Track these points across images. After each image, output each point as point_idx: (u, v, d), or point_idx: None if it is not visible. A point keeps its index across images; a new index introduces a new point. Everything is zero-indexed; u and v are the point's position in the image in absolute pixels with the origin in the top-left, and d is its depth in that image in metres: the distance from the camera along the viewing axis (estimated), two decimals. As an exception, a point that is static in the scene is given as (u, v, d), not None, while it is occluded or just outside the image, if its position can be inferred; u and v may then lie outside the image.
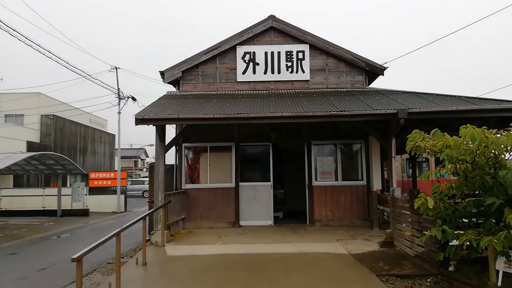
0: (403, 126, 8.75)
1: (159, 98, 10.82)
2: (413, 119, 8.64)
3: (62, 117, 32.28)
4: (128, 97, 24.62)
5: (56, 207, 20.95)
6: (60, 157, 20.04)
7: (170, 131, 12.06)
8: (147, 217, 9.42)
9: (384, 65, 11.47)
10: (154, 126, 9.30)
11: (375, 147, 11.12)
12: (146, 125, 9.31)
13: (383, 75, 11.50)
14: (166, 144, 9.53)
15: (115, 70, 24.69)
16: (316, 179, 11.41)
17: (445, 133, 5.10)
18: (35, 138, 30.42)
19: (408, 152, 5.83)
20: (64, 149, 32.93)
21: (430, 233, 5.32)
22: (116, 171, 24.70)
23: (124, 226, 6.08)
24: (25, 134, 29.44)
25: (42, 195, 22.05)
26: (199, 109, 9.32)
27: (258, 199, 11.52)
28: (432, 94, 10.27)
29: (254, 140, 11.59)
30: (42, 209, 21.50)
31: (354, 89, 11.49)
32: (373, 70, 11.58)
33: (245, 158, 11.90)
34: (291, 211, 14.09)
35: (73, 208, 21.38)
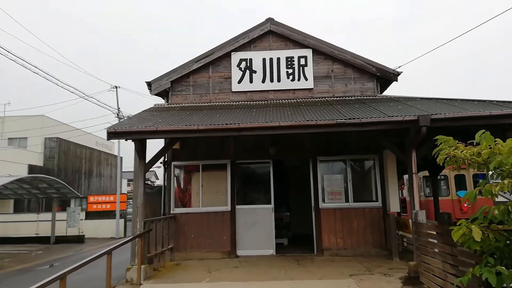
0: (424, 137, 7.28)
1: (143, 111, 9.60)
2: (437, 127, 7.18)
3: (66, 139, 31.49)
4: (128, 117, 23.59)
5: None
6: (53, 180, 18.91)
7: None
8: (128, 248, 8.04)
9: (397, 70, 10.09)
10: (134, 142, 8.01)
11: (391, 163, 9.63)
12: (124, 140, 8.04)
13: (396, 81, 10.11)
14: (146, 162, 8.20)
15: (115, 89, 23.85)
16: (323, 201, 9.91)
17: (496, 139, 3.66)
18: (39, 161, 29.63)
19: (440, 163, 4.35)
20: (68, 172, 32.06)
21: (474, 273, 3.82)
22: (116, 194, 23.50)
23: (67, 270, 4.70)
24: (28, 157, 28.66)
25: (36, 221, 20.87)
26: (184, 120, 8.02)
27: (257, 225, 10.05)
28: (456, 99, 8.82)
29: (252, 157, 10.22)
30: (35, 235, 20.30)
31: (364, 97, 10.09)
32: (385, 76, 10.19)
33: (243, 178, 10.51)
34: (299, 236, 12.67)
35: (67, 235, 20.11)
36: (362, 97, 10.05)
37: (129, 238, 7.26)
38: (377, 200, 9.83)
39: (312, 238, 10.00)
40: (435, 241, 6.49)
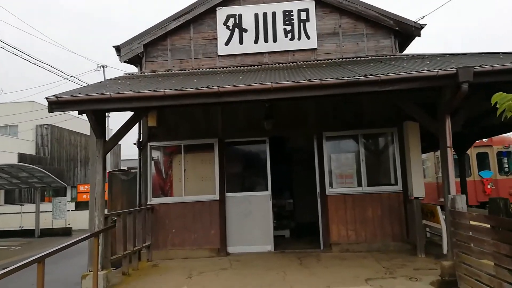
0: (463, 97, 5.45)
1: (106, 80, 7.82)
2: (481, 83, 5.36)
3: (59, 126, 29.85)
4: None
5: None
6: (34, 169, 17.31)
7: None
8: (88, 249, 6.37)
9: (420, 23, 8.17)
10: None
11: (413, 137, 7.81)
12: (79, 114, 6.30)
13: (419, 35, 8.19)
14: (107, 140, 6.46)
15: (102, 69, 22.08)
16: (331, 185, 8.17)
17: None
18: (30, 149, 28.12)
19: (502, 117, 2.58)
20: (63, 160, 30.59)
21: None
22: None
23: None
24: (19, 145, 27.15)
25: (20, 213, 19.38)
26: (152, 87, 6.22)
27: (252, 216, 8.34)
28: (498, 52, 6.94)
29: (244, 134, 8.45)
30: (20, 229, 18.85)
31: (381, 57, 8.20)
32: (406, 30, 8.28)
33: (234, 160, 8.77)
34: (304, 226, 11.03)
35: (54, 227, 18.63)
36: (377, 57, 8.17)
37: (80, 238, 5.56)
38: (396, 183, 8.06)
39: (319, 229, 8.29)
40: (485, 237, 4.77)
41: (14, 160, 25.04)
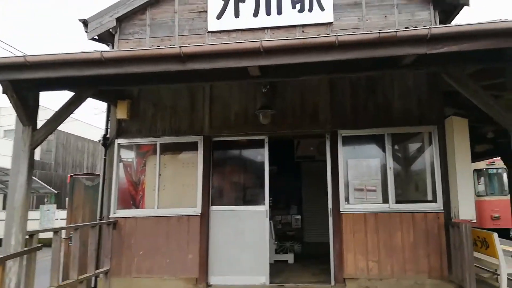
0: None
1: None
2: None
3: (66, 132, 28.68)
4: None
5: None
6: (19, 171, 15.75)
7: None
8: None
9: (469, -10, 6.23)
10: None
11: (461, 138, 5.84)
12: None
13: (467, 4, 6.21)
14: (37, 128, 4.69)
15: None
16: (347, 200, 6.21)
17: None
18: (35, 154, 26.87)
19: None
20: (68, 166, 29.28)
21: None
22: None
23: None
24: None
25: (4, 220, 17.83)
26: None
27: (243, 236, 6.43)
28: None
29: (237, 131, 6.60)
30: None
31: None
32: None
33: (222, 163, 6.92)
34: (313, 249, 9.23)
35: (40, 237, 16.95)
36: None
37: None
38: (435, 200, 6.05)
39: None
40: None
41: (15, 164, 23.83)
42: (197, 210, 6.41)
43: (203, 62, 3.76)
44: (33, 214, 17.59)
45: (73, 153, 30.05)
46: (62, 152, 28.82)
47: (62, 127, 28.11)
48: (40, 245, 4.70)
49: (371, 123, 6.33)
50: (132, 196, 6.84)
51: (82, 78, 4.26)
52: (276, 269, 7.25)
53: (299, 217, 11.37)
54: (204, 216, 6.39)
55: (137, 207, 6.76)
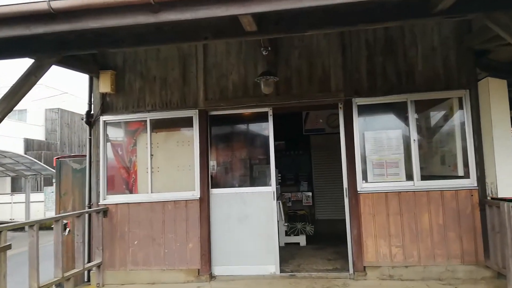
0: None
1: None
2: None
3: (70, 111, 28.13)
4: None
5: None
6: (17, 155, 15.26)
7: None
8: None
9: None
10: None
11: (499, 103, 4.98)
12: None
13: None
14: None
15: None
16: (364, 178, 5.43)
17: None
18: (40, 135, 26.60)
19: None
20: (74, 146, 28.87)
21: None
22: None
23: None
24: (27, 130, 25.68)
25: (10, 203, 17.55)
26: None
27: (248, 222, 5.72)
28: None
29: (237, 103, 5.77)
30: (10, 221, 17.00)
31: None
32: None
33: (222, 141, 6.18)
34: (326, 227, 8.80)
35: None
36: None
37: None
38: (467, 176, 5.24)
39: (346, 232, 5.62)
40: None
41: (20, 146, 23.51)
42: (196, 193, 5.70)
43: (181, 11, 2.90)
44: (37, 196, 17.31)
45: (78, 133, 29.59)
46: (67, 132, 28.40)
47: (65, 106, 27.49)
48: (9, 243, 4.00)
49: (391, 89, 5.46)
50: (124, 180, 6.15)
51: (35, 40, 3.47)
52: (287, 254, 6.62)
53: (309, 194, 10.72)
54: (204, 200, 5.68)
55: (130, 192, 6.07)
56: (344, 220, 5.59)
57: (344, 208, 5.55)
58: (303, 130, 10.94)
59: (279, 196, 8.57)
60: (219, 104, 5.76)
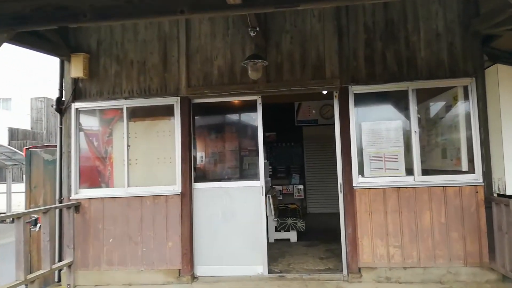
0: None
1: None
2: None
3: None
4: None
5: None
6: (-1, 145, 14.61)
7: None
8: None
9: None
10: None
11: (508, 93, 4.52)
12: None
13: None
14: None
15: None
16: (361, 173, 5.00)
17: None
18: (25, 124, 25.87)
19: None
20: (61, 136, 28.01)
21: None
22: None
23: None
24: (12, 119, 24.92)
25: (-6, 194, 16.89)
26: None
27: (234, 219, 5.27)
28: None
29: (222, 90, 5.26)
30: (-12, 211, 16.39)
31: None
32: None
33: (205, 131, 5.69)
34: (317, 222, 8.56)
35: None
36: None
37: None
38: (472, 171, 4.82)
39: (339, 227, 5.21)
40: None
41: (4, 135, 22.80)
42: (177, 188, 5.22)
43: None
44: (20, 187, 16.67)
45: (66, 122, 28.81)
46: (53, 121, 27.62)
47: (52, 95, 26.67)
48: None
49: (391, 76, 5.00)
50: (99, 172, 5.65)
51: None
52: (276, 252, 6.21)
53: (301, 187, 10.35)
54: (186, 196, 5.20)
55: (107, 185, 5.57)
56: (337, 214, 5.17)
57: (337, 202, 5.12)
58: (295, 121, 10.55)
59: (269, 190, 8.15)
60: (203, 91, 5.26)
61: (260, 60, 4.51)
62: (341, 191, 5.06)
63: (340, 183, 5.07)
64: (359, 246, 4.86)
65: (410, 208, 4.81)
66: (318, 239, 7.13)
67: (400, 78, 4.98)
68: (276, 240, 7.17)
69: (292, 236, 7.17)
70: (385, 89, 5.04)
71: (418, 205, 4.81)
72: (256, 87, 5.14)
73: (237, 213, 5.26)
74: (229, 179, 5.48)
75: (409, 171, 4.93)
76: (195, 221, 5.27)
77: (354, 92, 5.04)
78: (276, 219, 7.18)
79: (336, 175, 5.12)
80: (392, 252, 4.81)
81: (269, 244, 5.40)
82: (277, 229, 7.20)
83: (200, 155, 5.52)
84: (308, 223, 7.69)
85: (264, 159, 10.56)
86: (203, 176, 5.48)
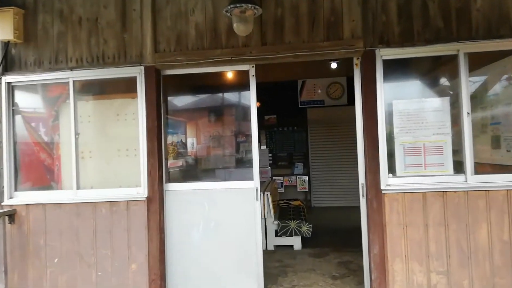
0: None
1: None
2: None
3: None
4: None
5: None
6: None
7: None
8: None
9: None
10: None
11: None
12: None
13: None
14: None
15: None
16: (392, 171, 3.61)
17: None
18: None
19: None
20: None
21: None
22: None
23: None
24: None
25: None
26: None
27: (219, 231, 3.93)
28: None
29: (200, 56, 3.84)
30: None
31: None
32: None
33: (180, 114, 4.29)
34: (325, 215, 7.29)
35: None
36: None
37: None
38: (547, 168, 3.44)
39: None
40: None
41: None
42: (141, 191, 3.88)
43: None
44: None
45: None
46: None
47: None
48: None
49: (434, 35, 3.59)
50: (45, 169, 4.29)
51: None
52: (276, 265, 4.92)
53: (305, 178, 9.05)
54: (154, 201, 3.86)
55: (55, 186, 4.23)
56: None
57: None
58: (299, 102, 9.20)
59: (269, 184, 6.85)
60: (175, 59, 3.85)
61: (250, 5, 3.08)
62: (363, 196, 3.70)
63: (363, 184, 3.71)
64: (388, 272, 3.53)
65: (460, 220, 3.46)
66: (327, 244, 5.88)
67: (448, 37, 3.56)
68: (276, 247, 5.89)
69: (296, 242, 5.86)
70: (425, 54, 3.63)
71: (471, 215, 3.46)
72: (247, 52, 3.73)
73: (224, 224, 3.93)
74: (213, 178, 4.12)
75: (459, 169, 3.56)
76: (168, 235, 3.94)
77: (383, 57, 3.63)
78: (276, 222, 5.87)
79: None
80: (434, 281, 3.48)
81: (267, 253, 4.15)
82: (277, 234, 5.90)
83: (173, 146, 4.15)
84: (314, 221, 6.42)
85: (263, 145, 9.43)
86: (178, 174, 4.13)
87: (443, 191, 3.50)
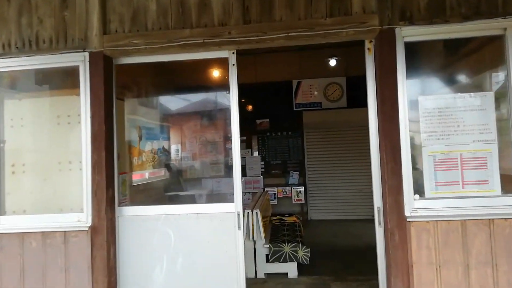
0: None
1: None
2: None
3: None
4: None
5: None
6: None
7: None
8: None
9: None
10: None
11: None
12: None
13: None
14: None
15: None
16: (418, 192, 2.67)
17: None
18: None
19: None
20: None
21: None
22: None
23: None
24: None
25: None
26: None
27: (190, 271, 2.95)
28: None
29: (164, 38, 2.88)
30: None
31: None
32: None
33: (139, 115, 3.32)
34: (323, 230, 6.65)
35: None
36: None
37: None
38: None
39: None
40: None
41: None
42: (84, 217, 2.91)
43: None
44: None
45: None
46: None
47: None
48: None
49: (472, 10, 2.67)
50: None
51: None
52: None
53: (301, 188, 8.15)
54: (100, 231, 2.89)
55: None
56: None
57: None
58: (294, 105, 8.36)
59: (260, 195, 5.94)
60: (130, 42, 2.91)
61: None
62: (380, 224, 2.76)
63: (379, 208, 2.77)
64: (417, 329, 2.59)
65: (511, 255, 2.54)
66: (328, 270, 4.93)
67: (492, 12, 2.66)
68: (267, 274, 4.92)
69: (291, 269, 4.89)
70: (462, 34, 2.73)
71: (529, 251, 2.53)
72: (225, 32, 2.80)
73: (196, 261, 2.97)
74: (181, 200, 3.16)
75: (508, 187, 2.64)
76: (122, 277, 2.98)
77: (406, 39, 2.72)
78: (267, 246, 4.91)
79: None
80: None
81: (257, 283, 3.29)
82: (268, 259, 4.93)
83: (127, 157, 3.20)
84: (312, 237, 5.50)
85: (255, 152, 8.55)
86: (134, 195, 3.17)
87: (489, 219, 2.58)
